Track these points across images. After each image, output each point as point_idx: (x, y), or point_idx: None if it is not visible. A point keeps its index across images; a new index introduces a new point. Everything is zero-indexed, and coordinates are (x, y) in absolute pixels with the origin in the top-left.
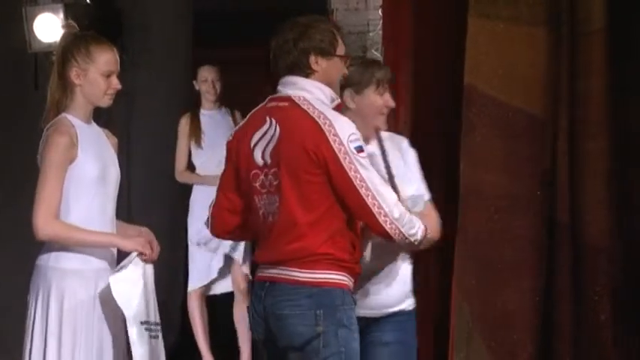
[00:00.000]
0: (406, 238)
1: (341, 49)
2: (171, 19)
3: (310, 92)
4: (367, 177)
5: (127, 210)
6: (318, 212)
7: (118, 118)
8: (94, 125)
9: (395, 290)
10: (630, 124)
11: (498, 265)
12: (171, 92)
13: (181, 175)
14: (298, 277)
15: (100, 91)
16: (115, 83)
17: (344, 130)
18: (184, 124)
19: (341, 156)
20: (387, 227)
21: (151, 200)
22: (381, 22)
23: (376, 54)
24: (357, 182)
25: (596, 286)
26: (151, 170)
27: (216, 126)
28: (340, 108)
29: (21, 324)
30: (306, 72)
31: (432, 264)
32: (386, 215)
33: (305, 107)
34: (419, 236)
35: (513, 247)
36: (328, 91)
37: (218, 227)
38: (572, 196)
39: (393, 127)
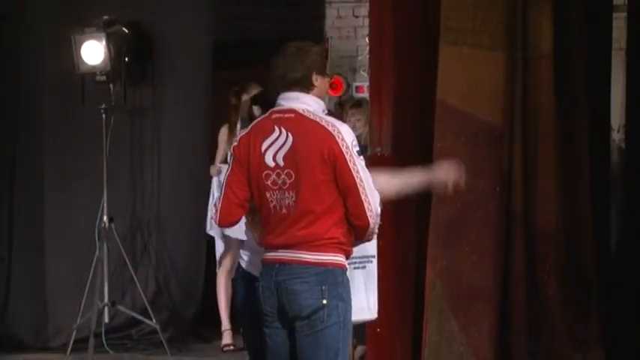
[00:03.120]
0: (374, 233)
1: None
2: (194, 45)
3: (311, 105)
4: (364, 178)
5: (157, 206)
6: (326, 204)
7: (149, 129)
8: None
9: None
10: (573, 132)
11: (465, 248)
12: (194, 106)
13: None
14: (308, 258)
15: None
16: None
17: (348, 136)
18: (223, 132)
19: (347, 158)
20: (370, 221)
21: (178, 198)
22: (367, 48)
23: (364, 74)
24: (357, 181)
25: (545, 265)
26: (176, 173)
27: None
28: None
29: None
30: (309, 88)
31: (410, 249)
32: (372, 211)
33: (312, 117)
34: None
35: (477, 234)
36: (322, 103)
37: (224, 218)
38: (525, 192)
39: (378, 135)
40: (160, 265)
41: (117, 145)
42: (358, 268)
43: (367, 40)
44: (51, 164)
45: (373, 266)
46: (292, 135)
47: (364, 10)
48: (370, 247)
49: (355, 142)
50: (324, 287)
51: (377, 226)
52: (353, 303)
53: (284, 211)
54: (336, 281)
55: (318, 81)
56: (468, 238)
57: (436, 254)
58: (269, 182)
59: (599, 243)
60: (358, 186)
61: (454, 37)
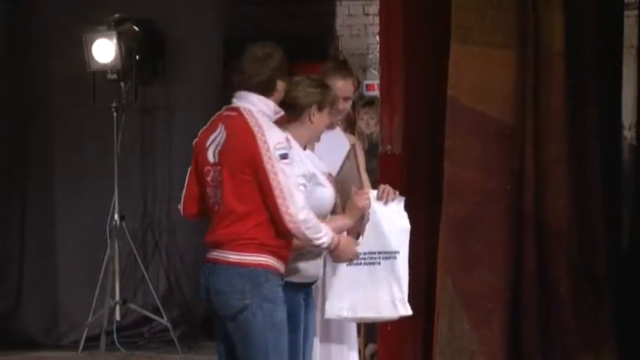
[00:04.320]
0: (310, 240)
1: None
2: (205, 43)
3: (255, 105)
4: (283, 181)
5: (168, 205)
6: (250, 205)
7: (160, 127)
8: None
9: None
10: (585, 130)
11: (476, 246)
12: (205, 104)
13: None
14: (231, 258)
15: None
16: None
17: (273, 139)
18: None
19: (266, 160)
20: (290, 226)
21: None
22: (378, 46)
23: (374, 72)
24: (273, 184)
25: (556, 264)
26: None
27: None
28: (283, 119)
29: None
30: (270, 92)
31: (422, 247)
32: (290, 215)
33: (246, 117)
34: (324, 242)
35: (488, 232)
36: (272, 105)
37: (186, 211)
38: (536, 190)
39: (389, 133)
40: (171, 263)
41: (128, 144)
42: (372, 263)
43: (378, 38)
44: (62, 163)
45: (396, 262)
46: (226, 133)
47: (375, 8)
48: (391, 243)
49: (281, 146)
50: (246, 288)
51: (310, 232)
52: (362, 299)
53: (216, 208)
54: (259, 282)
55: (280, 86)
56: (480, 237)
57: (447, 252)
58: (209, 178)
59: (611, 241)
60: (275, 189)
61: (465, 34)
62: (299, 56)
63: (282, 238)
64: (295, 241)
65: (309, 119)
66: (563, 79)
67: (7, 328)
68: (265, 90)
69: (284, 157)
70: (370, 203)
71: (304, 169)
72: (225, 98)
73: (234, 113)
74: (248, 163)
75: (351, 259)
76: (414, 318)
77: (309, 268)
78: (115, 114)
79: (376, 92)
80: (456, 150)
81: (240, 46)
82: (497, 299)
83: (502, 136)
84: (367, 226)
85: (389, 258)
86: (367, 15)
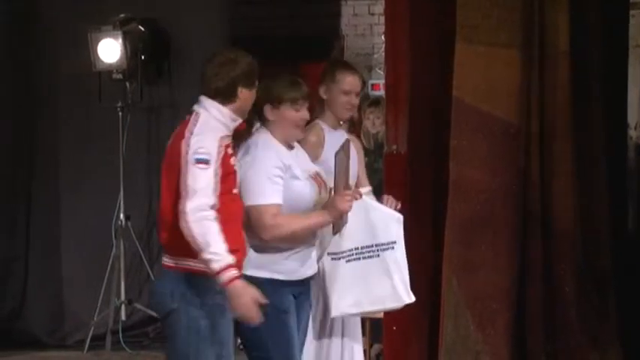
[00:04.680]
0: (198, 248)
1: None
2: (210, 43)
3: (207, 110)
4: (190, 183)
5: None
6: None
7: (166, 126)
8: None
9: None
10: (590, 129)
11: (481, 246)
12: None
13: None
14: (166, 262)
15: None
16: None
17: (196, 144)
18: None
19: (183, 164)
20: (181, 224)
21: None
22: (383, 45)
23: (380, 72)
24: (182, 185)
25: (561, 263)
26: None
27: None
28: (243, 127)
29: None
30: (231, 99)
31: (427, 246)
32: (183, 213)
33: (191, 121)
34: (212, 259)
35: (493, 232)
36: (227, 112)
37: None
38: (542, 190)
39: (394, 132)
40: None
41: (133, 144)
42: (370, 257)
43: (383, 37)
44: (68, 162)
45: (394, 252)
46: (173, 136)
47: (380, 7)
48: (387, 234)
49: (203, 151)
50: (175, 291)
51: (199, 238)
52: (366, 293)
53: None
54: (188, 286)
55: (243, 93)
56: (485, 236)
57: (452, 252)
58: (164, 181)
59: (616, 241)
60: (181, 190)
61: (470, 34)
62: (304, 56)
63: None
64: (269, 243)
65: (267, 117)
66: (569, 78)
67: (12, 327)
68: (223, 96)
69: (200, 161)
70: (351, 206)
71: (277, 161)
72: None
73: (189, 116)
74: (175, 168)
75: (246, 310)
76: (419, 318)
77: (293, 266)
78: (120, 114)
79: (382, 92)
80: (461, 150)
81: (246, 46)
82: (502, 299)
83: (507, 136)
84: (360, 221)
85: (387, 249)
86: (373, 14)
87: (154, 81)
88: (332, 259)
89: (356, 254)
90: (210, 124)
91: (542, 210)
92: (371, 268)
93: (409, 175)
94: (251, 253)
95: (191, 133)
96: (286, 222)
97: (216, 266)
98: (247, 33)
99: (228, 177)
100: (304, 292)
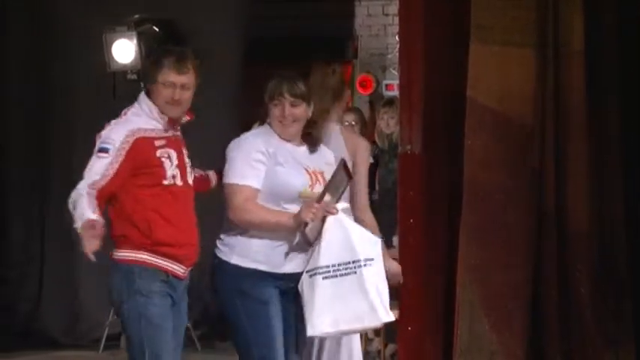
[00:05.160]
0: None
1: (163, 77)
2: (225, 43)
3: (138, 104)
4: (88, 167)
5: None
6: (114, 203)
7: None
8: None
9: None
10: (605, 129)
11: (496, 247)
12: (227, 103)
13: None
14: (113, 256)
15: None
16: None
17: (104, 133)
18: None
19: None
20: None
21: (211, 195)
22: (397, 46)
23: (394, 72)
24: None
25: (577, 264)
26: (206, 167)
27: None
28: (170, 122)
29: None
30: (154, 93)
31: (442, 247)
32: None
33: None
34: (76, 222)
35: (508, 233)
36: (154, 108)
37: None
38: (557, 190)
39: (408, 133)
40: None
41: None
42: (347, 274)
43: (397, 38)
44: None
45: (372, 269)
46: None
47: (394, 8)
48: (364, 251)
49: (107, 140)
50: (123, 284)
51: (71, 202)
52: (343, 312)
53: None
54: (132, 277)
55: (153, 88)
56: (500, 237)
57: (467, 253)
58: None
59: (632, 242)
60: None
61: (484, 34)
62: (318, 57)
63: (149, 231)
64: (251, 229)
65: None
66: (583, 78)
67: (28, 328)
68: (150, 91)
69: (101, 150)
70: (312, 219)
71: (261, 147)
72: (245, 98)
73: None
74: None
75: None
76: (434, 318)
77: (275, 258)
78: None
79: (395, 92)
80: (475, 150)
81: (259, 46)
82: (517, 299)
83: (522, 136)
84: (337, 237)
85: (364, 265)
86: (387, 15)
87: None
88: (310, 275)
89: (333, 271)
90: (129, 117)
91: (557, 211)
92: (349, 285)
93: (424, 176)
94: (236, 242)
95: (109, 125)
96: (254, 210)
97: (78, 225)
98: (261, 33)
99: (152, 170)
100: (290, 284)
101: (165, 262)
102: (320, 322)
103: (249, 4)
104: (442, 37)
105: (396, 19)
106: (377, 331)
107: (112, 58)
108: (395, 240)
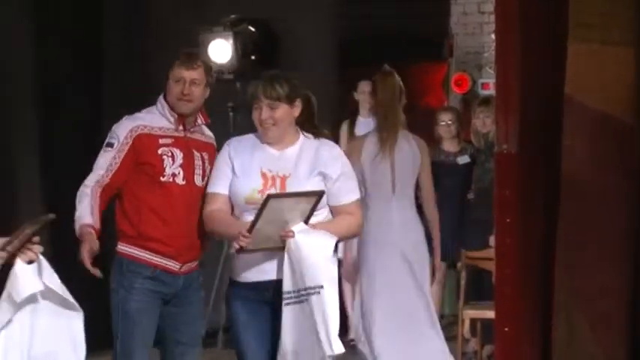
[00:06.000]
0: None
1: (173, 74)
2: (320, 43)
3: (158, 102)
4: (96, 160)
5: None
6: (120, 195)
7: None
8: None
9: None
10: None
11: (593, 247)
12: (321, 102)
13: None
14: (116, 248)
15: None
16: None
17: (113, 128)
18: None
19: None
20: None
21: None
22: (493, 44)
23: (490, 71)
24: None
25: None
26: None
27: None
28: (180, 121)
29: None
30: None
31: (539, 247)
32: None
33: None
34: (75, 221)
35: (605, 232)
36: (166, 106)
37: None
38: None
39: (504, 132)
40: None
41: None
42: (301, 302)
43: (493, 36)
44: None
45: (320, 298)
46: None
47: (490, 6)
48: (314, 278)
49: (112, 135)
50: (114, 272)
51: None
52: (297, 342)
53: None
54: (120, 270)
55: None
56: (596, 237)
57: (564, 253)
58: None
59: None
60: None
61: (583, 33)
62: (413, 56)
63: (138, 224)
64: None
65: None
66: None
67: None
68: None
69: (107, 145)
70: (243, 247)
71: (227, 155)
72: (339, 98)
73: None
74: None
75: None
76: (532, 319)
77: (243, 268)
78: (231, 114)
79: (491, 91)
80: (573, 149)
81: (353, 46)
82: (616, 299)
83: (621, 136)
84: (293, 262)
85: (313, 294)
86: (482, 13)
87: None
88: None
89: (293, 297)
90: (140, 114)
91: None
92: (301, 313)
93: (520, 175)
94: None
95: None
96: (209, 216)
97: (76, 225)
98: (355, 33)
99: (150, 166)
100: (276, 295)
101: (155, 258)
102: (285, 351)
103: (344, 3)
104: (539, 35)
105: (492, 17)
106: (474, 332)
107: (209, 58)
108: (491, 240)
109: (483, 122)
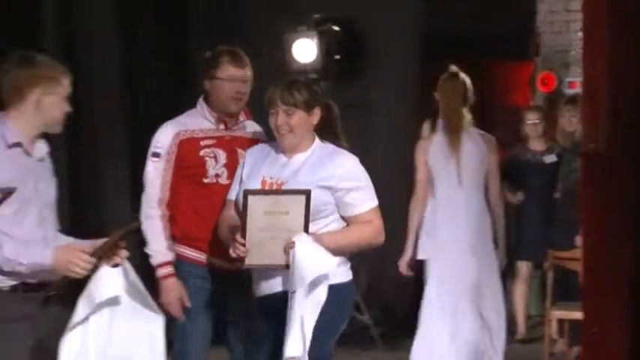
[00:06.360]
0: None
1: (223, 72)
2: (404, 42)
3: (197, 104)
4: (144, 177)
5: None
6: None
7: (359, 125)
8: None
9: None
10: None
11: None
12: (404, 101)
13: None
14: None
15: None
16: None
17: (155, 135)
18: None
19: None
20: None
21: (391, 195)
22: (580, 42)
23: (577, 70)
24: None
25: None
26: (391, 170)
27: None
28: (221, 120)
29: None
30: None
31: (626, 249)
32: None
33: None
34: (150, 253)
35: None
36: (206, 107)
37: None
38: None
39: (593, 131)
40: (371, 260)
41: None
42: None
43: (580, 34)
44: None
45: (299, 298)
46: None
47: (576, 4)
48: (299, 282)
49: (156, 145)
50: None
51: (147, 234)
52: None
53: None
54: (176, 269)
55: (207, 85)
56: None
57: None
58: None
59: None
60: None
61: None
62: (498, 55)
63: (181, 225)
64: None
65: None
66: None
67: None
68: (206, 91)
69: (154, 155)
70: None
71: (243, 163)
72: (422, 96)
73: None
74: None
75: (168, 306)
76: (621, 321)
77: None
78: None
79: (578, 90)
80: None
81: (437, 44)
82: None
83: None
84: (292, 266)
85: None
86: (569, 11)
87: (348, 80)
88: None
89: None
90: (180, 117)
91: None
92: (292, 322)
93: (607, 175)
94: None
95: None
96: (219, 223)
97: (153, 262)
98: (439, 31)
99: (194, 168)
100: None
101: (202, 257)
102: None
103: (428, 1)
104: (628, 32)
105: (579, 15)
106: (561, 333)
107: (293, 57)
108: (578, 239)
109: (570, 121)
